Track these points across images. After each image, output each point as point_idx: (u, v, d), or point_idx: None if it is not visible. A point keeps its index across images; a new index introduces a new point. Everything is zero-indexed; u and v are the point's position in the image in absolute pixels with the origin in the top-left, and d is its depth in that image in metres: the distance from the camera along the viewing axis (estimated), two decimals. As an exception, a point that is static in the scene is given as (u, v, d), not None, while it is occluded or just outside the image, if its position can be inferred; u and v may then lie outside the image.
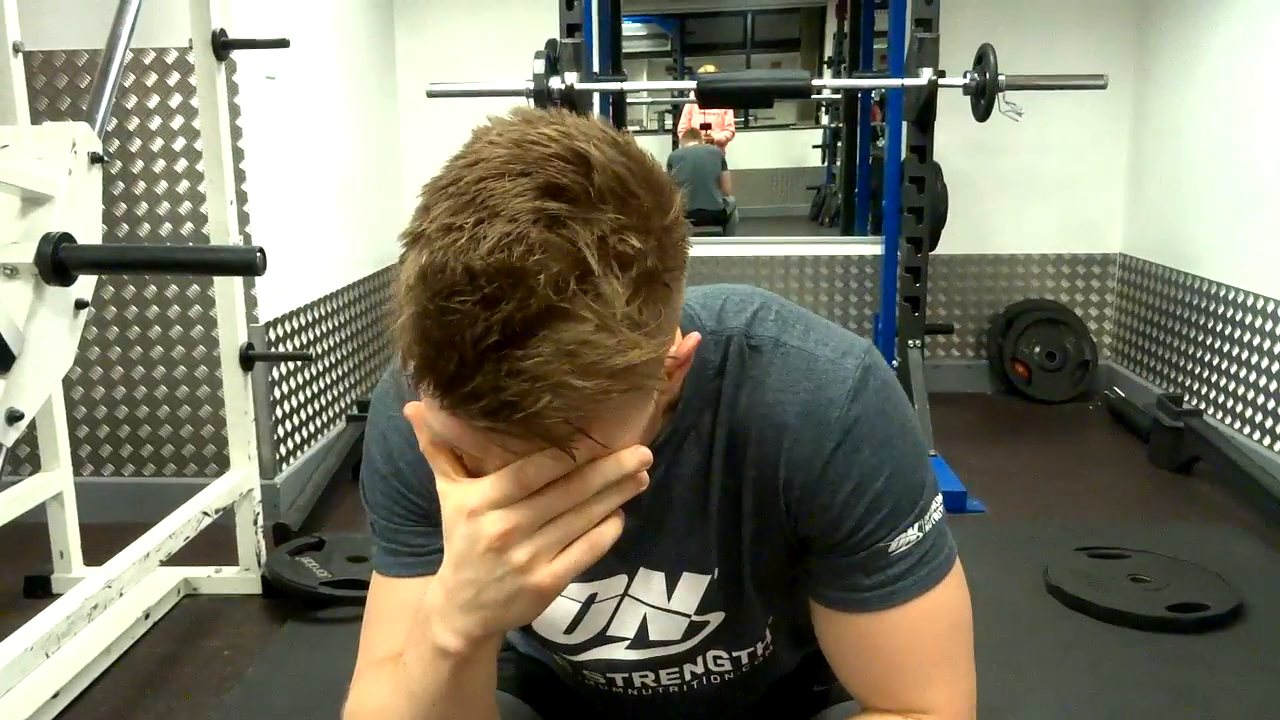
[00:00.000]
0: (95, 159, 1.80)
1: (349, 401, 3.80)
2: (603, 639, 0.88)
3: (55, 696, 2.03)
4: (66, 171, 1.71)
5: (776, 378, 0.78)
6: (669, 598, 0.85)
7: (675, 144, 8.47)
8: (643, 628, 0.87)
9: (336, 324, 3.71)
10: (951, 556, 0.81)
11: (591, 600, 0.86)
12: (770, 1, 9.28)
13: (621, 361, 0.57)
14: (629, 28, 8.40)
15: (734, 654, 0.91)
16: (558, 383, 0.55)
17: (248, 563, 2.59)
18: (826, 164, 8.67)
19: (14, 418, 1.58)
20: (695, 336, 0.69)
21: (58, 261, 1.63)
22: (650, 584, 0.85)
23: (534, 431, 0.58)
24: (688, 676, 0.92)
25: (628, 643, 0.88)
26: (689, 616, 0.86)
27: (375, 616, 0.86)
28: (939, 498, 0.81)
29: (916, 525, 0.78)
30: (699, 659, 0.91)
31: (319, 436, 3.51)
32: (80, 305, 1.77)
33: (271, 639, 2.37)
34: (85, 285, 1.76)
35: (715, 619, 0.87)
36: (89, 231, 1.75)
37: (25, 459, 3.03)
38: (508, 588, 0.63)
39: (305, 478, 3.16)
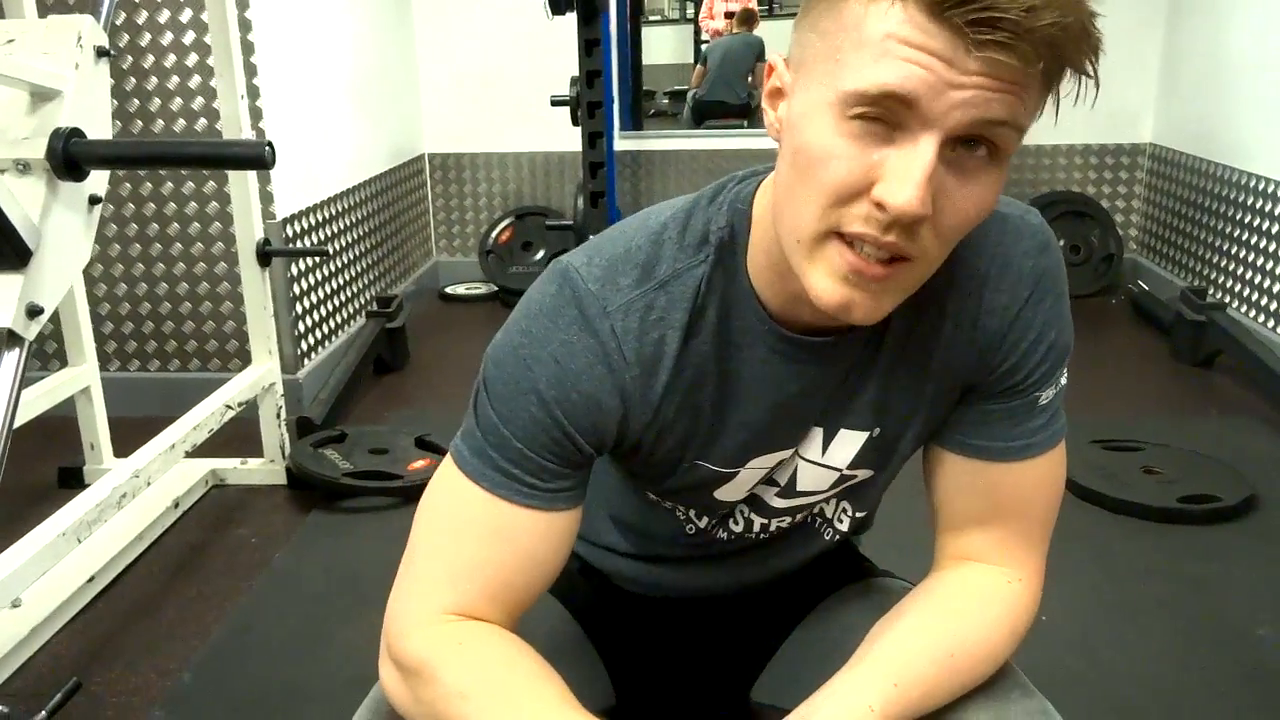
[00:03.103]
0: (101, 53, 1.78)
1: (369, 298, 3.82)
2: (765, 480, 0.89)
3: (90, 581, 2.11)
4: (73, 66, 1.69)
5: (997, 226, 0.80)
6: (823, 452, 0.86)
7: (697, 36, 8.27)
8: (793, 478, 0.89)
9: (354, 220, 3.70)
10: (1064, 423, 0.86)
11: (778, 466, 0.88)
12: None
13: (1097, 32, 0.63)
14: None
15: (857, 513, 0.95)
16: (1066, 4, 0.60)
17: (272, 454, 2.65)
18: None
19: (34, 312, 1.60)
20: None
21: (69, 156, 1.63)
22: (809, 442, 0.86)
23: (1034, 42, 0.59)
24: (811, 521, 0.96)
25: (778, 490, 0.90)
26: (840, 470, 0.88)
27: (459, 524, 0.80)
28: None
29: (1061, 380, 0.84)
30: (832, 503, 0.94)
31: (340, 332, 3.54)
32: (94, 200, 1.77)
33: (296, 528, 2.44)
34: (98, 180, 1.76)
35: (863, 475, 0.89)
36: (99, 126, 1.74)
37: (53, 355, 3.10)
38: None
39: (327, 372, 3.20)
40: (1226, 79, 3.73)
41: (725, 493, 0.89)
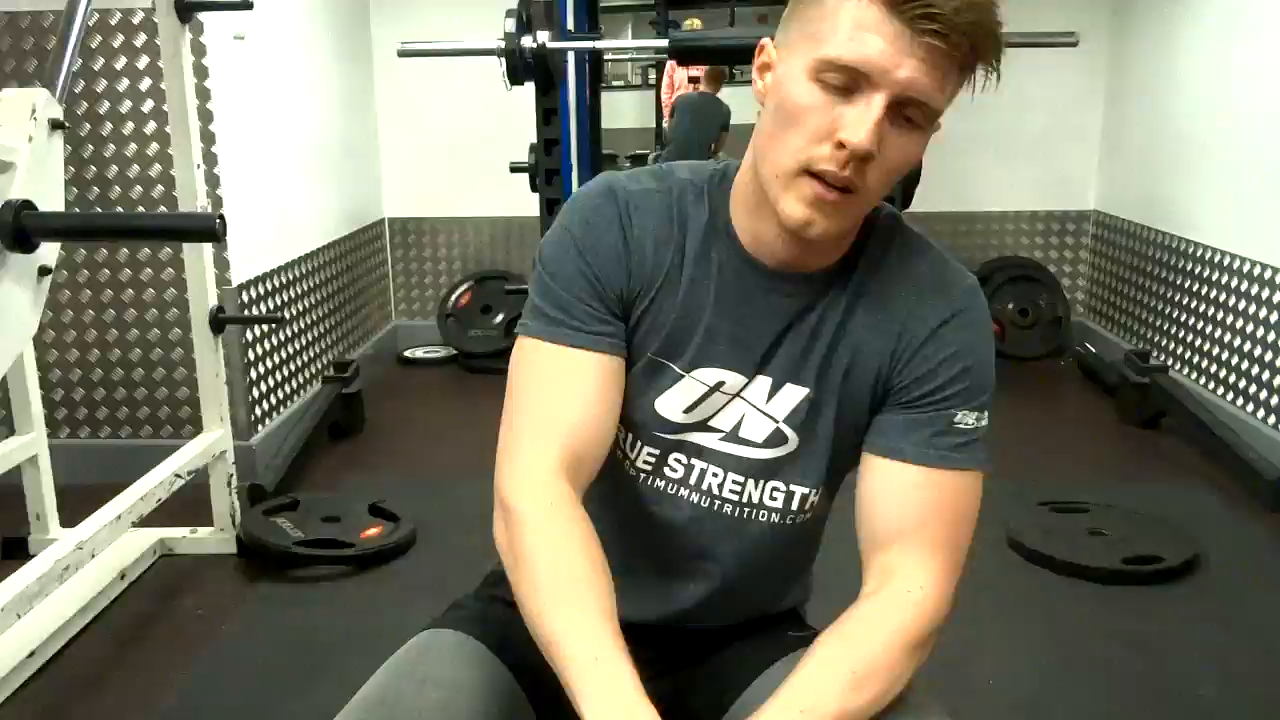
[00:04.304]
0: (56, 125, 1.80)
1: (325, 363, 3.82)
2: (704, 426, 1.01)
3: (31, 655, 2.07)
4: (27, 138, 1.71)
5: (917, 251, 1.00)
6: (768, 400, 1.00)
7: (658, 105, 8.41)
8: (738, 424, 1.01)
9: (313, 284, 3.72)
10: (987, 463, 0.98)
11: (717, 387, 1.00)
12: (754, -46, 9.18)
13: (1002, 42, 0.85)
14: (610, -21, 8.28)
15: (789, 487, 1.03)
16: (984, 16, 0.82)
17: (222, 523, 2.62)
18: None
19: (-21, 384, 1.60)
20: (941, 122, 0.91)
21: (19, 229, 1.64)
22: (758, 387, 1.00)
23: (958, 36, 0.82)
24: (744, 499, 1.03)
25: (722, 435, 1.02)
26: (776, 421, 1.00)
27: (532, 378, 0.98)
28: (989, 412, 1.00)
29: (977, 414, 0.97)
30: (761, 483, 1.03)
31: (295, 397, 3.53)
32: (44, 271, 1.78)
33: (246, 598, 2.42)
34: (49, 251, 1.77)
35: (792, 441, 1.01)
36: (51, 198, 1.76)
37: (0, 422, 3.06)
38: None
39: (281, 438, 3.19)
40: (1164, 150, 3.87)
41: (667, 405, 1.00)
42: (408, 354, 4.59)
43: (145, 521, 2.37)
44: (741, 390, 1.00)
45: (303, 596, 2.43)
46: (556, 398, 0.96)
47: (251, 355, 3.17)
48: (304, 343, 3.64)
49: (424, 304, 4.78)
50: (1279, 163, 3.10)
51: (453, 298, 4.59)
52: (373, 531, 2.61)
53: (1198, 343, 3.59)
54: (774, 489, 1.03)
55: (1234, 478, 2.99)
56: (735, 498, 1.03)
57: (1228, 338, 3.38)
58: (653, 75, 9.55)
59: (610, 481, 1.03)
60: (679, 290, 0.98)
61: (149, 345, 3.07)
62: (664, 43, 3.43)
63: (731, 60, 5.02)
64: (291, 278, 3.51)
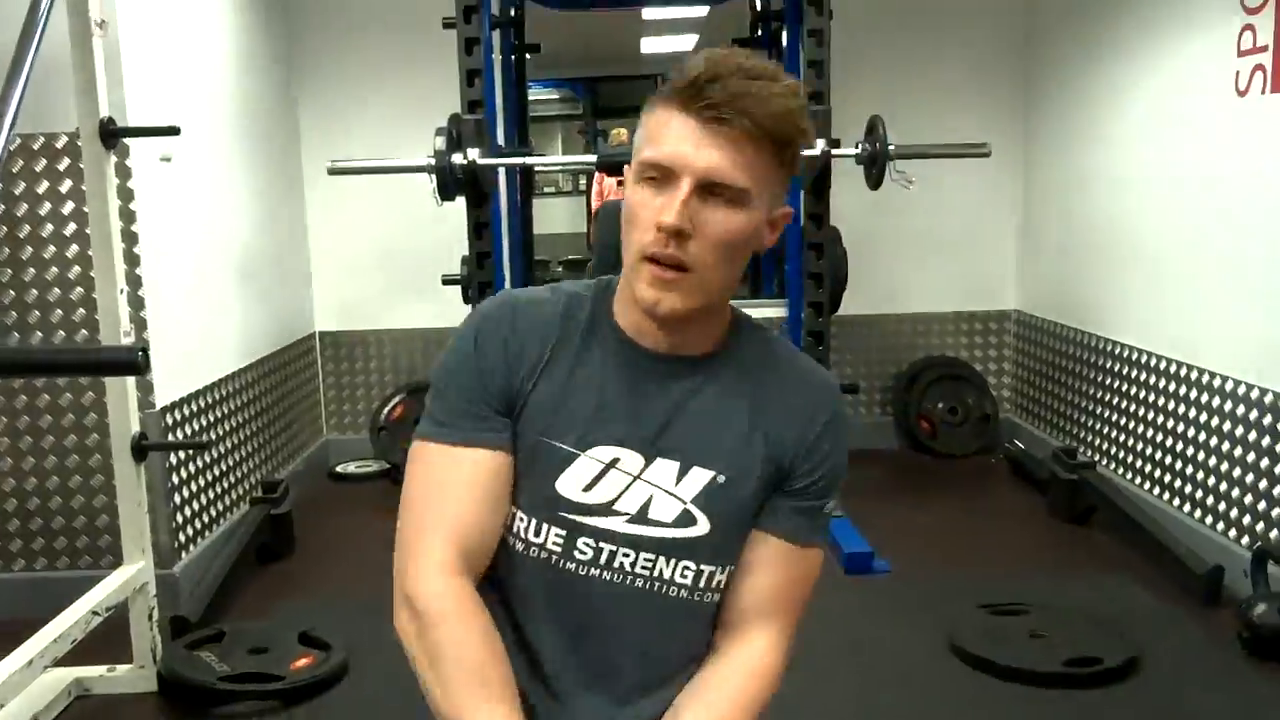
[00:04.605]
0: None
1: (253, 482, 3.72)
2: (609, 510, 1.08)
3: (-69, 816, 1.94)
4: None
5: (790, 350, 1.17)
6: (676, 482, 1.08)
7: (589, 209, 8.55)
8: (645, 506, 1.08)
9: (241, 402, 3.64)
10: (826, 537, 1.17)
11: (614, 464, 1.07)
12: (678, 66, 9.49)
13: (802, 122, 1.01)
14: (541, 91, 8.47)
15: (700, 566, 1.10)
16: (772, 100, 0.97)
17: (143, 659, 2.51)
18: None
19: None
20: (789, 209, 1.08)
21: (-72, 367, 1.59)
22: (662, 471, 1.08)
23: (746, 122, 0.96)
24: (655, 574, 1.10)
25: (629, 517, 1.08)
26: (684, 503, 1.08)
27: (428, 478, 1.07)
28: None
29: (832, 501, 1.14)
30: (673, 561, 1.10)
31: (222, 520, 3.42)
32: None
33: (167, 740, 2.30)
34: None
35: (702, 523, 1.09)
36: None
37: (-94, 558, 2.92)
38: None
39: (206, 565, 3.08)
40: (1079, 251, 4.02)
41: (566, 485, 1.07)
42: (339, 469, 4.50)
43: (60, 660, 2.25)
44: (643, 472, 1.08)
45: (227, 736, 2.32)
46: (447, 496, 1.06)
47: (176, 479, 3.07)
48: (232, 462, 3.55)
49: (355, 418, 4.71)
50: (1187, 262, 3.23)
51: (385, 410, 4.53)
52: (303, 662, 2.52)
53: (1122, 438, 3.68)
54: (685, 567, 1.10)
55: (1166, 573, 3.03)
56: (646, 573, 1.10)
57: (1150, 433, 3.47)
58: (583, 181, 9.74)
59: (522, 570, 1.10)
60: (563, 375, 1.08)
61: (66, 472, 2.96)
62: (593, 158, 3.50)
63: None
64: (220, 396, 3.44)
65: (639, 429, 1.07)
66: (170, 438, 3.04)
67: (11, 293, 2.87)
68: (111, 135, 2.37)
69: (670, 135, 0.99)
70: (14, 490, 2.96)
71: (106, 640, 2.51)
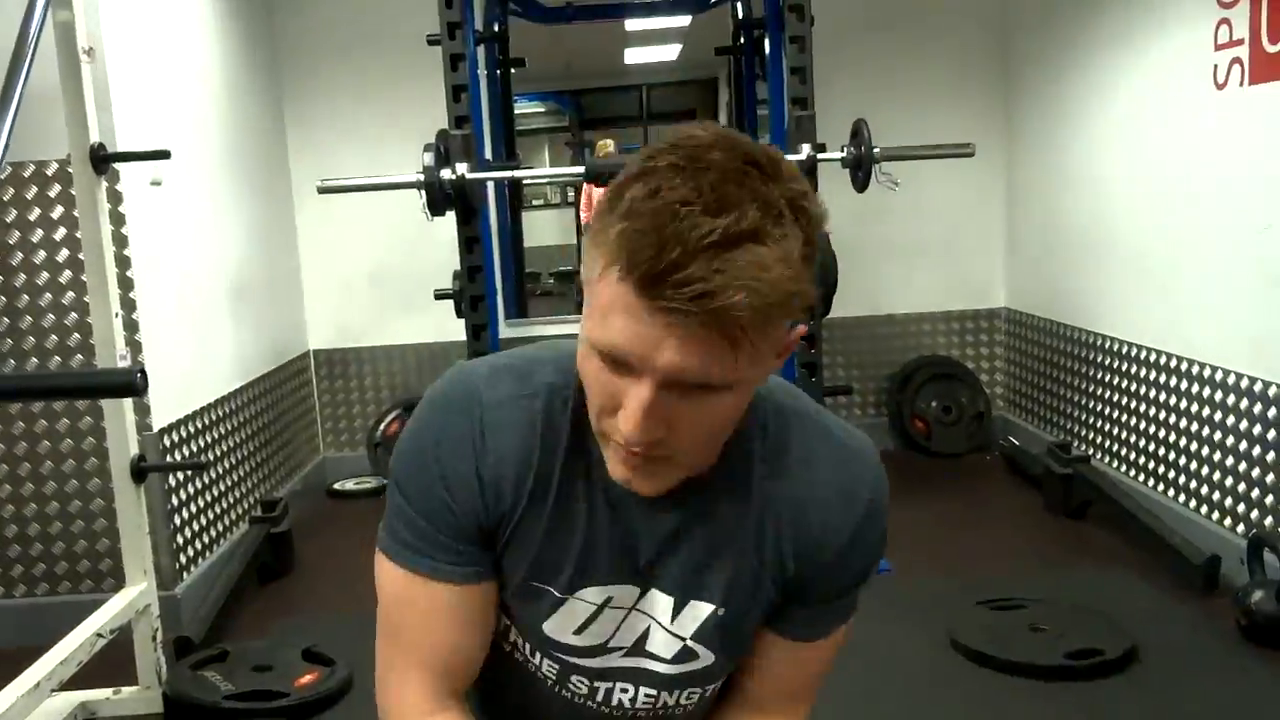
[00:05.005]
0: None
1: (252, 502, 3.73)
2: (603, 649, 0.97)
3: (-59, 843, 1.94)
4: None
5: (816, 441, 0.94)
6: (673, 619, 0.96)
7: (578, 221, 8.59)
8: (642, 638, 0.97)
9: (238, 423, 3.65)
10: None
11: (606, 604, 0.95)
12: (663, 75, 9.52)
13: (793, 288, 0.74)
14: (527, 105, 8.50)
15: (706, 689, 1.01)
16: (750, 285, 0.71)
17: (148, 681, 2.51)
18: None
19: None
20: (802, 328, 0.83)
21: (-71, 395, 1.60)
22: (658, 604, 0.95)
23: (719, 320, 0.72)
24: (659, 705, 1.01)
25: (624, 651, 0.97)
26: (684, 640, 0.96)
27: (400, 607, 0.94)
28: None
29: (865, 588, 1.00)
30: (676, 693, 1.00)
31: (222, 540, 3.43)
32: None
33: (174, 760, 2.30)
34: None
35: (705, 657, 0.97)
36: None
37: (-93, 588, 2.92)
38: None
39: (208, 585, 3.09)
40: (1064, 246, 4.05)
41: (555, 629, 0.95)
42: (337, 486, 4.50)
43: (65, 684, 2.26)
44: (639, 602, 0.95)
45: (234, 755, 2.33)
46: (427, 629, 0.94)
47: (175, 500, 3.08)
48: (230, 482, 3.56)
49: (352, 434, 4.72)
50: (1172, 254, 3.26)
51: (381, 426, 4.54)
52: (307, 679, 2.52)
53: (1115, 431, 3.70)
54: (689, 693, 1.01)
55: (1163, 564, 3.06)
56: (648, 707, 1.01)
57: (1143, 426, 3.50)
58: (571, 193, 9.77)
59: (523, 674, 1.02)
60: (545, 512, 0.91)
61: (66, 497, 2.97)
62: (581, 169, 3.52)
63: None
64: (217, 416, 3.45)
65: (630, 563, 0.93)
66: (169, 459, 3.05)
67: (5, 320, 2.88)
68: (102, 160, 2.38)
69: (622, 320, 0.75)
70: (14, 516, 2.96)
71: (111, 663, 2.52)
